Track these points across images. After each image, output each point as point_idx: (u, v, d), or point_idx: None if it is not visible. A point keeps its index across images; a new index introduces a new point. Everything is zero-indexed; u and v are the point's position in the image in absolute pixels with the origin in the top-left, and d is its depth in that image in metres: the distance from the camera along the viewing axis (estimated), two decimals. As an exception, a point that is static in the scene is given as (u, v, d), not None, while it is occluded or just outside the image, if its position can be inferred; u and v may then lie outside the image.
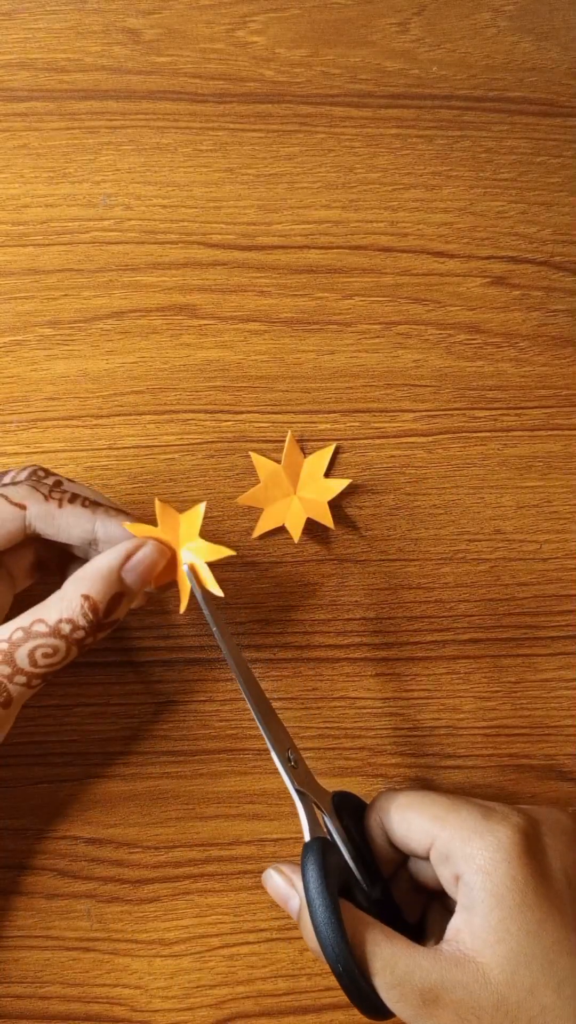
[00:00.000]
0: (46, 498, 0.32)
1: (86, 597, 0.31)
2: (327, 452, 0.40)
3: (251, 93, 0.42)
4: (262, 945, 0.38)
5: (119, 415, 0.40)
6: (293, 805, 0.32)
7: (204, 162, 0.42)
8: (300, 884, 0.31)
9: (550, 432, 0.41)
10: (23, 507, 0.32)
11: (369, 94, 0.42)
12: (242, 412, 0.40)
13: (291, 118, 0.42)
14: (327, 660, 0.39)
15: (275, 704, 0.39)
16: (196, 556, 0.33)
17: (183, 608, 0.34)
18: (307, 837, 0.31)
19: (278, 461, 0.40)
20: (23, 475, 0.34)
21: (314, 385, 0.41)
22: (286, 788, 0.32)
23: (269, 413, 0.41)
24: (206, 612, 0.33)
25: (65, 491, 0.33)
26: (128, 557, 0.32)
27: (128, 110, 0.42)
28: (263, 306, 0.41)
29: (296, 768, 0.33)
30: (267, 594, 0.40)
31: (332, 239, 0.42)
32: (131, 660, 0.39)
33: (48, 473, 0.34)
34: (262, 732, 0.33)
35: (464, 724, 0.40)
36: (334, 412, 0.41)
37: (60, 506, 0.33)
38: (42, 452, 0.40)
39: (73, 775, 0.38)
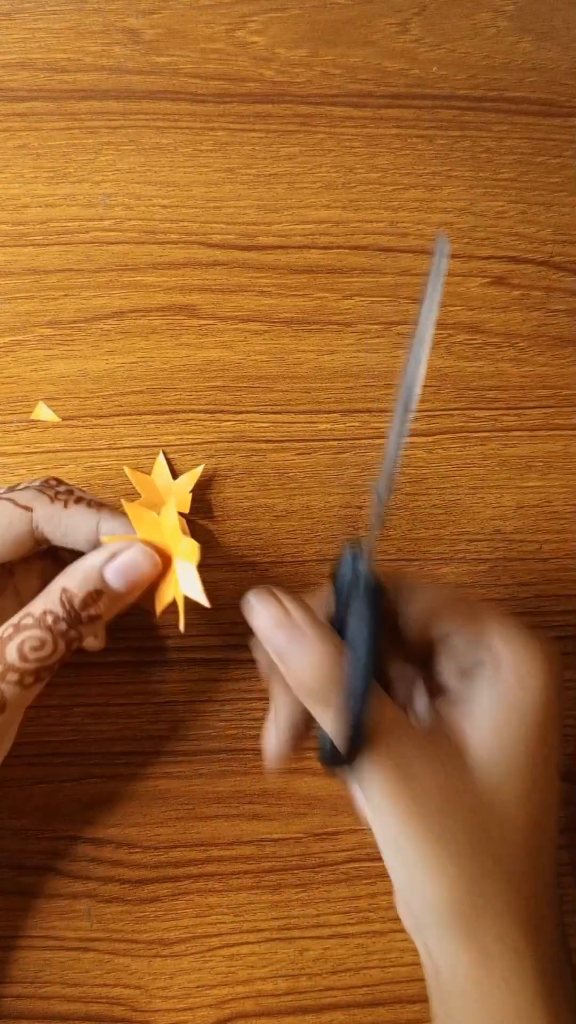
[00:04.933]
0: (52, 499, 0.33)
1: (64, 589, 0.32)
2: (194, 474, 0.39)
3: (251, 93, 0.42)
4: (262, 945, 0.38)
5: (119, 415, 0.40)
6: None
7: (204, 162, 0.42)
8: (298, 614, 0.30)
9: (550, 432, 0.41)
10: (29, 509, 0.32)
11: (369, 94, 0.42)
12: (242, 412, 0.40)
13: (291, 118, 0.42)
14: (327, 660, 0.39)
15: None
16: (187, 560, 0.33)
17: (182, 626, 0.33)
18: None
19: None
20: (36, 484, 0.34)
21: (314, 385, 0.41)
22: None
23: (269, 413, 0.40)
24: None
25: (72, 492, 0.34)
26: (112, 557, 0.32)
27: (128, 110, 0.42)
28: (263, 306, 0.41)
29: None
30: (267, 594, 0.40)
31: (332, 239, 0.42)
32: (131, 660, 0.39)
33: (60, 483, 0.35)
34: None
35: (464, 724, 0.40)
36: (334, 412, 0.41)
37: (66, 507, 0.33)
38: (42, 452, 0.40)
39: (73, 775, 0.38)
